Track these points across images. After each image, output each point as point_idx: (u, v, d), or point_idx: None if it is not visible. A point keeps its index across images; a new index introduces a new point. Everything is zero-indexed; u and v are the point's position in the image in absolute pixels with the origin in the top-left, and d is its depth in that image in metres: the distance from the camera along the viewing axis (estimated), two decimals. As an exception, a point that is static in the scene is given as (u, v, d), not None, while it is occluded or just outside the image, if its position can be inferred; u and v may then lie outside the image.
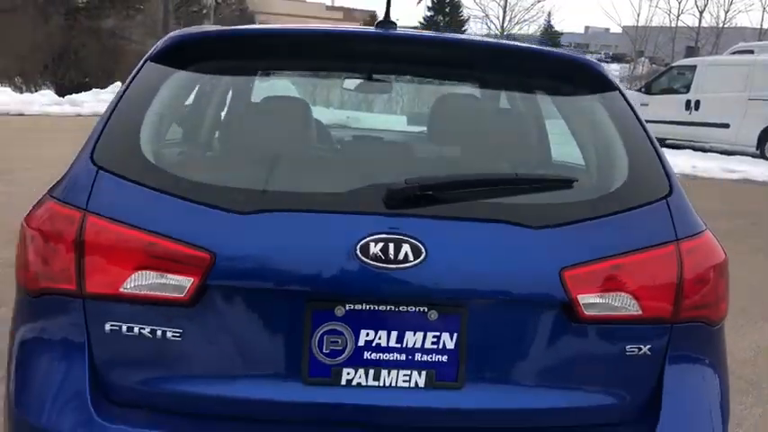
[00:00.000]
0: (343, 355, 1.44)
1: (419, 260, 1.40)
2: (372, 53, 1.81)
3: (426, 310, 1.45)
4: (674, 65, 15.54)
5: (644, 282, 1.50)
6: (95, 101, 14.22)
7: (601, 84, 1.81)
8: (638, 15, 23.57)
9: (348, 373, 1.44)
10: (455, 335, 1.45)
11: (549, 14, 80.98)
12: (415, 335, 1.45)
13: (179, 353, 1.44)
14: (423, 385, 1.45)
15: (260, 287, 1.42)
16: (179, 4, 30.19)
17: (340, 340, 1.44)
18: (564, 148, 1.99)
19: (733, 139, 13.26)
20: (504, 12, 23.11)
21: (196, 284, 1.40)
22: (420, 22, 76.31)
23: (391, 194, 1.44)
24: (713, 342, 1.63)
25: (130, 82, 1.72)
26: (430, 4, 73.12)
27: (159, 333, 1.42)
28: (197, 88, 1.86)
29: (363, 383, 1.44)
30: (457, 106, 2.05)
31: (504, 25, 23.01)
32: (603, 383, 1.51)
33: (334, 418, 1.44)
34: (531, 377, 1.49)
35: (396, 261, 1.40)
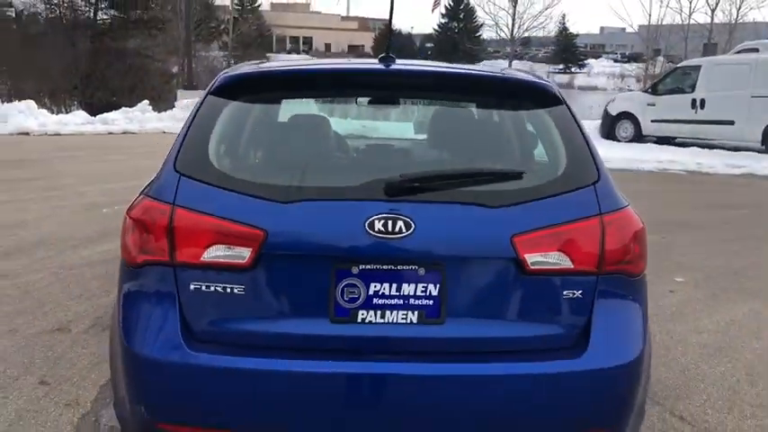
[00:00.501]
0: (358, 302, 2.02)
1: (409, 232, 1.98)
2: (375, 83, 2.42)
3: (416, 267, 2.03)
4: (679, 65, 15.98)
5: (574, 244, 2.07)
6: (125, 119, 14.97)
7: (553, 100, 2.39)
8: (650, 15, 23.90)
9: (362, 314, 2.03)
10: (437, 285, 2.03)
11: (564, 17, 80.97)
12: (408, 286, 2.03)
13: (242, 302, 2.03)
14: (415, 321, 2.03)
15: (298, 254, 2.02)
16: (198, 21, 31.02)
17: (356, 291, 2.02)
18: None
19: (738, 135, 13.68)
20: (513, 20, 23.71)
21: (254, 253, 1.99)
22: (435, 29, 76.85)
23: (389, 186, 2.03)
24: (633, 289, 2.19)
25: (196, 111, 2.32)
26: (444, 11, 73.60)
27: (228, 289, 2.02)
28: (249, 114, 2.46)
29: (373, 321, 2.03)
30: (448, 119, 2.65)
31: (514, 32, 23.56)
32: (548, 318, 2.08)
33: (353, 346, 2.02)
34: (494, 314, 2.06)
35: (393, 233, 1.98)
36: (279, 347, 2.02)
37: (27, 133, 12.69)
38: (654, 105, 14.51)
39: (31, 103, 14.21)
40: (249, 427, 2.01)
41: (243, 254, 2.00)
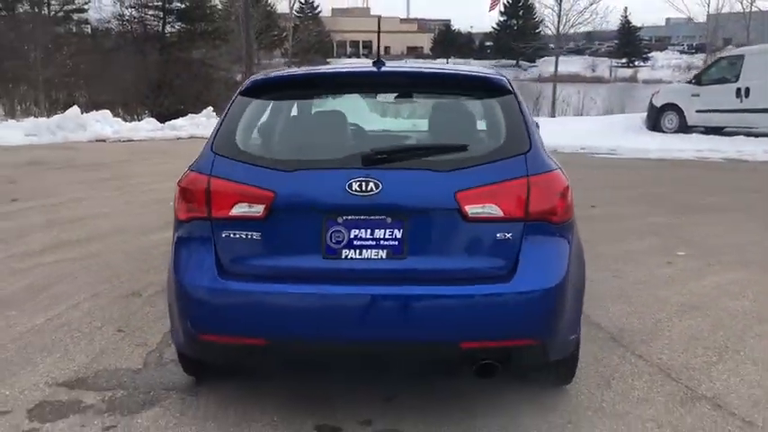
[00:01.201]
0: (343, 243, 2.74)
1: (378, 191, 2.69)
2: (364, 82, 3.16)
3: (385, 217, 2.73)
4: (721, 56, 16.08)
5: (505, 198, 2.73)
6: (191, 125, 16.10)
7: (503, 91, 3.06)
8: (708, 4, 23.62)
9: (345, 252, 2.74)
10: (401, 230, 2.73)
11: (626, 10, 79.42)
12: (379, 231, 2.73)
13: (258, 245, 2.77)
14: (384, 257, 2.74)
15: (299, 208, 2.75)
16: (259, 30, 32.31)
17: (341, 235, 2.74)
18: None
19: (784, 122, 13.79)
20: (559, 17, 24.06)
21: (266, 209, 2.74)
22: (493, 28, 76.83)
23: (365, 158, 2.74)
24: (557, 232, 2.82)
25: (229, 108, 3.09)
26: (503, 9, 73.42)
27: (249, 235, 2.77)
28: (266, 108, 3.21)
29: (353, 257, 2.74)
30: (422, 108, 3.35)
31: (560, 29, 23.91)
32: (485, 254, 2.74)
33: (339, 275, 2.74)
34: (443, 251, 2.74)
35: (366, 192, 2.69)
36: (285, 276, 2.75)
37: (103, 140, 13.90)
38: (698, 96, 14.70)
39: (107, 112, 15.50)
40: (263, 333, 2.75)
41: (258, 209, 2.75)
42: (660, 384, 3.44)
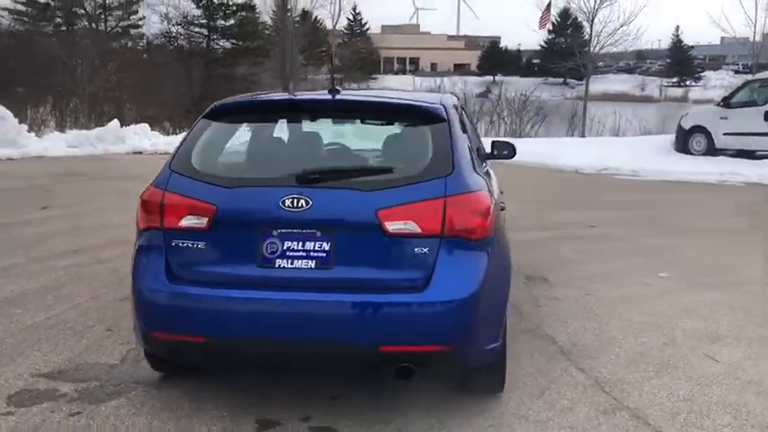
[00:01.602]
0: (277, 254, 3.05)
1: (308, 207, 3.00)
2: (322, 108, 3.49)
3: (315, 231, 3.04)
4: (750, 79, 15.94)
5: (423, 216, 3.00)
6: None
7: (437, 119, 3.35)
8: (755, 24, 23.25)
9: (279, 262, 3.05)
10: (329, 243, 3.03)
11: (678, 29, 78.20)
12: (310, 243, 3.04)
13: (203, 253, 3.11)
14: (314, 267, 3.04)
15: (238, 221, 3.08)
16: (304, 46, 33.03)
17: (275, 247, 3.05)
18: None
19: (811, 146, 13.63)
20: (590, 38, 24.09)
21: (209, 221, 3.08)
22: (541, 45, 76.45)
23: (298, 177, 3.06)
24: (473, 248, 3.07)
25: (191, 129, 3.45)
26: (551, 28, 73.02)
27: (195, 244, 3.11)
28: (224, 131, 3.56)
29: (286, 266, 3.05)
30: (363, 132, 3.67)
31: (593, 50, 23.92)
32: (403, 267, 3.02)
33: (272, 283, 3.05)
34: (367, 263, 3.03)
35: (297, 207, 3.00)
36: (224, 282, 3.08)
37: (140, 152, 14.57)
38: (726, 119, 14.62)
39: (145, 126, 16.21)
40: (203, 332, 3.07)
41: (203, 222, 3.09)
42: (590, 396, 3.64)
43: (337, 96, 3.51)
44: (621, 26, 22.87)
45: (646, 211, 9.25)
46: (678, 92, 67.43)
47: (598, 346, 4.35)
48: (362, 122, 3.57)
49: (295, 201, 3.01)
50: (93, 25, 41.33)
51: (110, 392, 3.62)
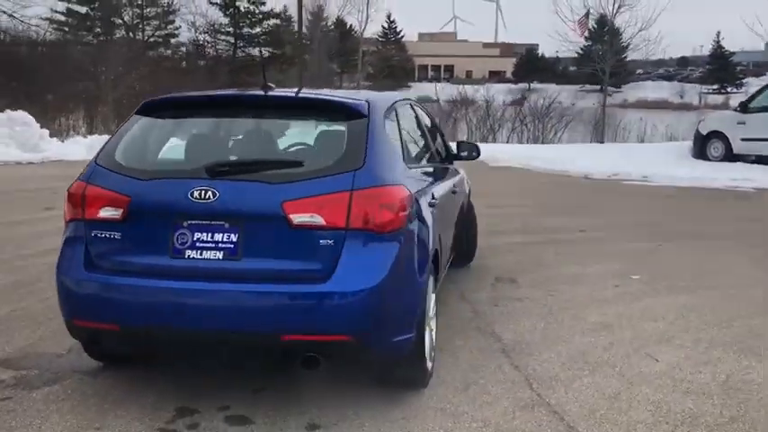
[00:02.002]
0: (187, 244, 3.14)
1: (215, 198, 3.08)
2: (249, 104, 3.57)
3: (223, 223, 3.12)
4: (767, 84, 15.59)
5: (328, 209, 3.06)
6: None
7: (357, 115, 3.41)
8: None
9: (189, 253, 3.14)
10: (237, 235, 3.11)
11: (719, 34, 76.65)
12: (218, 235, 3.12)
13: (119, 243, 3.21)
14: (222, 258, 3.12)
15: (151, 212, 3.18)
16: (335, 53, 33.37)
17: (186, 238, 3.14)
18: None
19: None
20: (611, 45, 23.88)
21: (124, 212, 3.18)
22: (578, 52, 75.74)
23: (207, 170, 3.15)
24: (379, 241, 3.12)
25: (122, 124, 3.57)
26: (587, 35, 72.36)
27: (111, 234, 3.21)
28: (151, 125, 3.66)
29: (195, 257, 3.13)
30: (284, 126, 3.74)
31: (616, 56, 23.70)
32: (308, 258, 3.08)
33: (183, 273, 3.13)
34: (273, 254, 3.09)
35: (205, 199, 3.09)
36: (138, 272, 3.18)
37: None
38: (744, 124, 14.30)
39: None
40: (117, 320, 3.17)
41: (118, 213, 3.19)
42: (514, 392, 3.65)
43: (266, 92, 3.59)
44: (640, 30, 22.54)
45: (643, 216, 9.13)
46: (719, 99, 66.04)
47: (542, 344, 4.34)
48: (287, 118, 3.64)
49: (203, 192, 3.10)
50: (131, 34, 42.38)
51: (46, 380, 3.74)
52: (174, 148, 3.60)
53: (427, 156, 4.67)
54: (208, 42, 29.77)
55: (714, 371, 3.93)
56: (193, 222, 3.14)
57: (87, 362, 3.93)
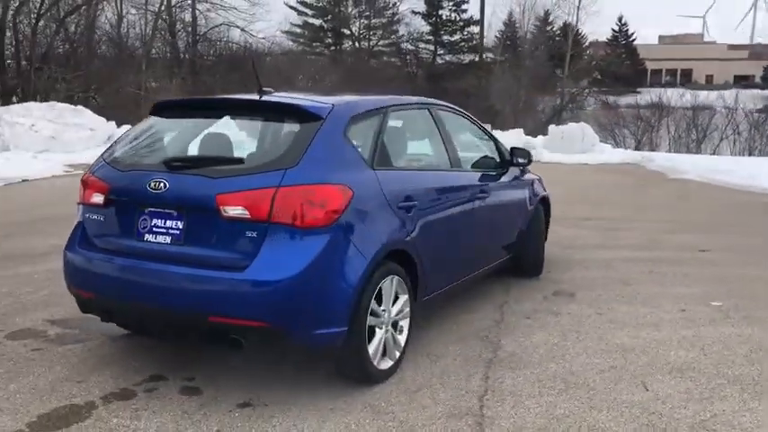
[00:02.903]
0: (147, 229, 3.57)
1: (165, 189, 3.48)
2: (230, 106, 3.95)
3: (173, 211, 3.50)
4: None
5: (253, 203, 3.30)
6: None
7: (312, 118, 3.62)
8: None
9: (147, 236, 3.56)
10: (182, 222, 3.47)
11: None
12: (170, 222, 3.51)
13: (101, 225, 3.74)
14: (170, 242, 3.50)
15: (122, 199, 3.66)
16: (556, 58, 32.46)
17: (146, 223, 3.57)
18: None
19: None
20: None
21: (105, 199, 3.70)
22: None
23: (165, 163, 3.56)
24: (301, 236, 3.30)
25: (136, 125, 4.12)
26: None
27: (97, 217, 3.76)
28: (154, 124, 4.13)
29: (151, 240, 3.55)
30: (248, 126, 4.01)
31: None
32: (234, 247, 3.34)
33: (142, 254, 3.56)
34: (207, 242, 3.41)
35: (158, 189, 3.50)
36: (113, 251, 3.67)
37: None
38: None
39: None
40: (92, 289, 3.70)
41: (101, 198, 3.72)
42: (458, 401, 3.60)
43: (260, 97, 3.92)
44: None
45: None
46: None
47: (536, 360, 4.17)
48: (256, 120, 3.93)
49: (157, 183, 3.51)
50: (357, 44, 45.14)
51: (77, 339, 4.41)
52: (153, 143, 4.07)
53: (435, 161, 4.71)
54: (410, 50, 30.82)
55: (698, 410, 3.52)
56: (152, 209, 3.57)
57: (117, 329, 4.53)
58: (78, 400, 3.55)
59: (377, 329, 3.73)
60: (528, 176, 5.92)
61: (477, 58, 30.01)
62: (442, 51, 31.61)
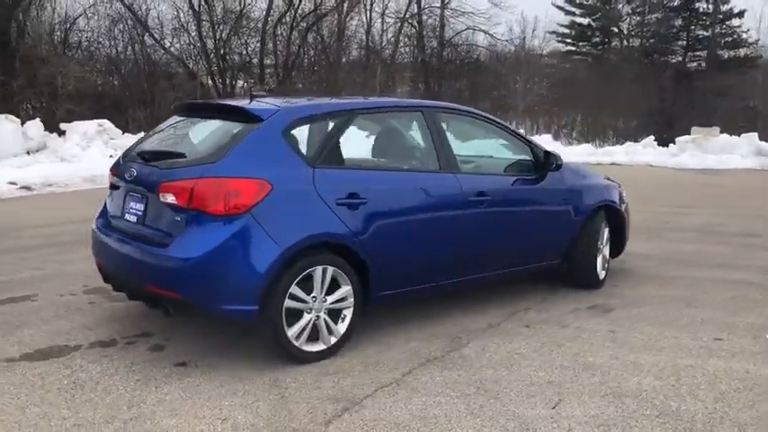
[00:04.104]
0: (127, 209, 4.28)
1: (134, 177, 4.18)
2: (207, 109, 4.57)
3: (139, 195, 4.18)
4: None
5: (179, 192, 3.83)
6: (623, 152, 16.58)
7: (254, 119, 4.08)
8: None
9: (126, 216, 4.29)
10: (144, 205, 4.13)
11: None
12: (138, 204, 4.19)
13: (110, 205, 4.57)
14: (135, 222, 4.18)
15: (118, 185, 4.45)
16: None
17: (128, 204, 4.27)
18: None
19: None
20: None
21: (111, 183, 4.53)
22: None
23: (139, 155, 4.27)
24: (212, 221, 3.75)
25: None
26: None
27: (109, 199, 4.60)
28: (169, 121, 4.82)
29: (128, 219, 4.25)
30: (208, 127, 4.48)
31: None
32: (168, 228, 3.89)
33: (123, 230, 4.28)
34: (154, 222, 4.02)
35: (131, 176, 4.21)
36: (110, 226, 4.47)
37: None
38: None
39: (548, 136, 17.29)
40: (99, 258, 4.54)
41: (110, 182, 4.55)
42: (347, 388, 3.78)
43: (250, 101, 4.47)
44: None
45: None
46: None
47: (477, 366, 4.11)
48: (220, 120, 4.41)
49: (131, 171, 4.22)
50: (626, 43, 42.87)
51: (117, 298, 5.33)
52: (150, 138, 4.76)
53: (417, 163, 4.85)
54: (657, 49, 28.35)
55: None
56: (131, 194, 4.28)
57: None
58: (71, 343, 4.41)
59: (305, 314, 4.04)
60: (574, 182, 5.61)
61: (740, 53, 26.66)
62: (695, 47, 28.55)
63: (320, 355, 4.12)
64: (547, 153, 5.38)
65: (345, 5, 29.31)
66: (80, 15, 22.35)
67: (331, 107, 4.52)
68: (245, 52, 26.10)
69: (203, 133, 4.47)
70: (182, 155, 4.18)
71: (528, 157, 5.39)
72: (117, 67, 22.48)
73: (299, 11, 26.69)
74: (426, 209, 4.60)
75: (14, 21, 19.02)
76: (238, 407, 3.54)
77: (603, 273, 5.90)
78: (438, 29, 34.39)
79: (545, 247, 5.44)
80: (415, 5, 33.39)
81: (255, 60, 25.92)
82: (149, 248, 3.97)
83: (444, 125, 4.98)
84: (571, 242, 5.57)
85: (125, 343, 4.42)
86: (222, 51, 25.00)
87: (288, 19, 26.76)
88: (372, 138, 4.98)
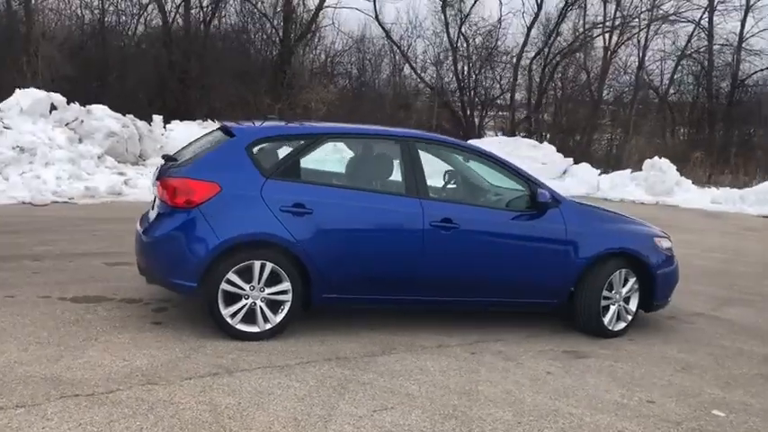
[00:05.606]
0: (153, 206, 5.39)
1: (155, 176, 5.34)
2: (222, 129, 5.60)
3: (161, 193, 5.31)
4: None
5: (161, 187, 4.84)
6: None
7: (229, 135, 5.01)
8: None
9: (150, 212, 5.36)
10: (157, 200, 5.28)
11: None
12: (157, 201, 5.32)
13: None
14: (156, 216, 5.31)
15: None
16: None
17: (155, 203, 5.44)
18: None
19: None
20: None
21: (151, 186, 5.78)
22: None
23: (163, 158, 5.42)
24: (171, 211, 4.70)
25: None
26: None
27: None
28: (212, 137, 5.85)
29: (151, 215, 5.34)
30: (209, 139, 5.36)
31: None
32: (158, 216, 4.92)
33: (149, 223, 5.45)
34: (156, 213, 5.10)
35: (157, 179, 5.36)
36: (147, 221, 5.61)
37: None
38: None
39: None
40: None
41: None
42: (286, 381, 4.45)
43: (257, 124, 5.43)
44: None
45: None
46: None
47: (387, 373, 4.45)
48: (224, 136, 5.30)
49: (155, 174, 5.37)
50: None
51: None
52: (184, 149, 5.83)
53: (379, 185, 5.33)
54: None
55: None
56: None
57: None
58: (108, 296, 5.72)
59: (242, 299, 4.79)
60: (579, 223, 5.46)
61: None
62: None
63: (252, 336, 4.80)
64: (535, 192, 5.36)
65: (614, 40, 28.81)
66: (347, 50, 25.37)
67: (298, 130, 5.27)
68: (497, 86, 27.00)
69: (201, 144, 5.46)
70: (174, 159, 5.23)
71: (523, 192, 5.47)
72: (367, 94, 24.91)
73: (554, 45, 26.82)
74: (377, 227, 5.06)
75: (294, 55, 22.27)
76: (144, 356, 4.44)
77: (622, 324, 5.66)
78: (733, 66, 31.48)
79: (528, 284, 5.44)
80: (705, 40, 31.13)
81: (508, 96, 26.68)
82: (147, 233, 5.01)
83: (430, 156, 5.39)
84: (575, 284, 5.49)
85: (155, 301, 5.57)
86: (473, 85, 26.20)
87: (546, 52, 27.08)
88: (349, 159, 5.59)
